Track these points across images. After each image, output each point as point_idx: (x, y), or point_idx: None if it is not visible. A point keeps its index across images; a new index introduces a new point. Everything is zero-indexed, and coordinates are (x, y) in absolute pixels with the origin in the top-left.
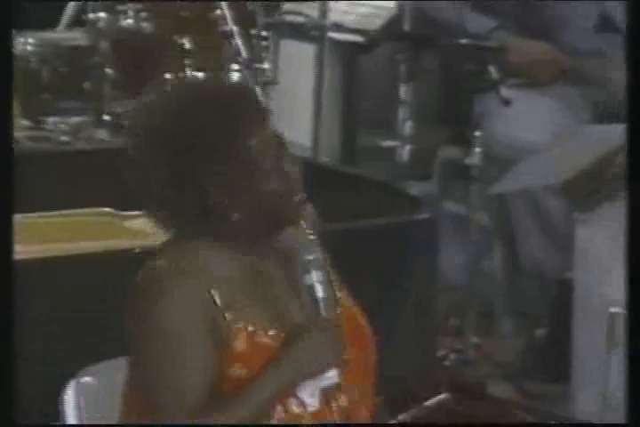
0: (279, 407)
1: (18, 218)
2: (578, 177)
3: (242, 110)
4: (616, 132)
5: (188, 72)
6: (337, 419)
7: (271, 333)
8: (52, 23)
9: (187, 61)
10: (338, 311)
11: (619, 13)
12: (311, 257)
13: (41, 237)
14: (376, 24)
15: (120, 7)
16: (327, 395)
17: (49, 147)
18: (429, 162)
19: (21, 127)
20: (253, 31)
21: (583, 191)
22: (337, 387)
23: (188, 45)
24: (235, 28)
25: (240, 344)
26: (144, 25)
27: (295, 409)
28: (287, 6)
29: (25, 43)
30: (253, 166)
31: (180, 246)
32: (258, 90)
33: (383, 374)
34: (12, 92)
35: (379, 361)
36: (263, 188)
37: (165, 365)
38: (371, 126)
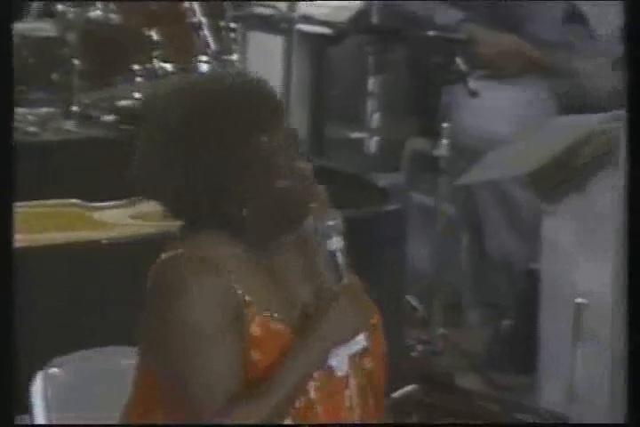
0: None
1: None
2: (544, 168)
3: (258, 105)
4: (582, 124)
5: (156, 63)
6: (362, 382)
7: (285, 319)
8: (20, 14)
9: (155, 53)
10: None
11: (585, 5)
12: (332, 222)
13: None
14: (344, 16)
15: None
16: (355, 359)
17: (16, 137)
18: (397, 154)
19: None
20: (222, 23)
21: (550, 182)
22: (364, 350)
23: (156, 37)
24: (203, 20)
25: (256, 330)
26: (112, 16)
27: (323, 375)
28: None
29: None
30: (267, 162)
31: (195, 237)
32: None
33: None
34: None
35: None
36: (276, 184)
37: (195, 358)
38: (339, 118)
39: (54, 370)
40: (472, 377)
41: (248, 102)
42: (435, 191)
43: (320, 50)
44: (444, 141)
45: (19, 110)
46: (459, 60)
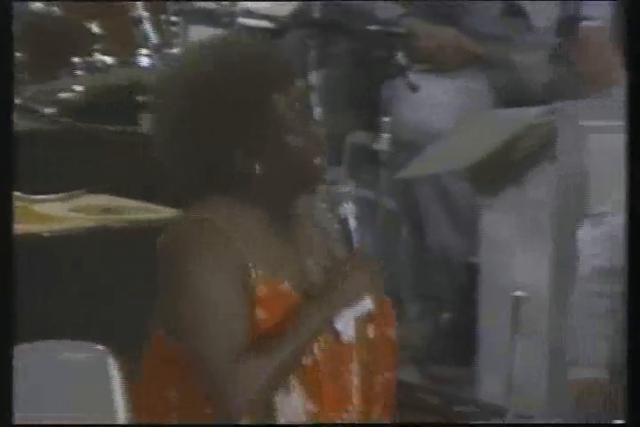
0: None
1: None
2: (482, 162)
3: (270, 65)
4: (520, 117)
5: (97, 56)
6: (366, 360)
7: (292, 283)
8: None
9: (95, 46)
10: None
11: None
12: (345, 189)
13: None
14: (286, 10)
15: None
16: (360, 324)
17: None
18: (338, 147)
19: None
20: (163, 16)
21: (487, 176)
22: (369, 315)
23: (96, 30)
24: (144, 14)
25: (262, 289)
26: (54, 9)
27: (329, 339)
28: None
29: None
30: (281, 118)
31: (205, 202)
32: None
33: None
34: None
35: None
36: (289, 141)
37: (210, 316)
38: None
39: None
40: (411, 370)
41: (261, 62)
42: (375, 185)
43: None
44: (385, 135)
45: None
46: (399, 54)
